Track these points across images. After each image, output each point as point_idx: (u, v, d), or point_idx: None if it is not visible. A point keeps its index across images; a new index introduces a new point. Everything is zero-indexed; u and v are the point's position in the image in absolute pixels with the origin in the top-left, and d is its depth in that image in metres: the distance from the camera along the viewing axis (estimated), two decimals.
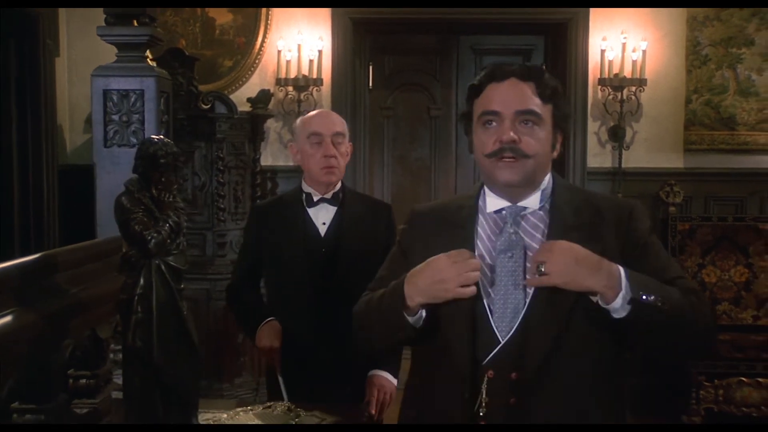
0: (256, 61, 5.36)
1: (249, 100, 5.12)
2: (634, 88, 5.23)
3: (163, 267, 2.08)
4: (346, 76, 5.38)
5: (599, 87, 5.29)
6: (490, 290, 1.79)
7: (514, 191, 1.83)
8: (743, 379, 4.69)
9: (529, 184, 1.82)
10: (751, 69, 5.28)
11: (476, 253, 1.81)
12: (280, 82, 5.29)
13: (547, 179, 1.88)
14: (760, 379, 4.67)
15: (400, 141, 5.84)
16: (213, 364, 4.75)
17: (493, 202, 1.87)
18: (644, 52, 5.18)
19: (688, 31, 5.27)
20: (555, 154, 1.88)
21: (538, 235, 1.81)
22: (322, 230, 2.86)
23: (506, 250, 1.80)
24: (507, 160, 1.76)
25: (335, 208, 2.86)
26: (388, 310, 1.86)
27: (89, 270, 2.35)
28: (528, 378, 1.73)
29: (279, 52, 5.27)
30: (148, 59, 4.91)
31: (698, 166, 5.35)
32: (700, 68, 5.28)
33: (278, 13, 5.32)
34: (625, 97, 5.23)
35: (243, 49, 5.35)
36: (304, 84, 5.26)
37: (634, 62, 5.18)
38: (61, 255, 2.22)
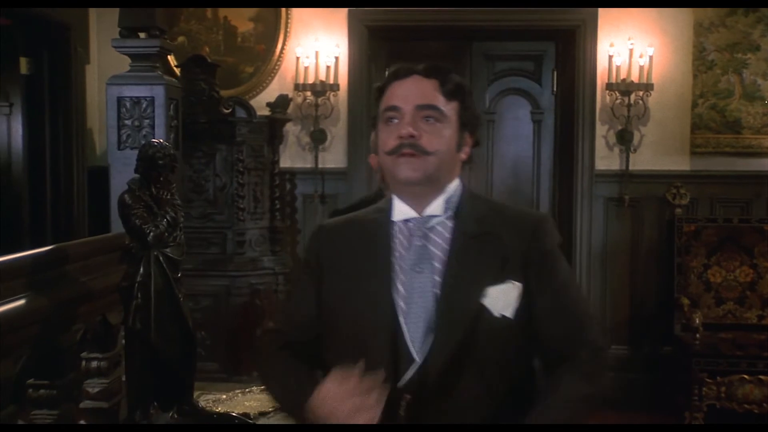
0: (276, 68, 5.58)
1: (268, 104, 5.35)
2: (641, 93, 5.36)
3: (161, 257, 2.31)
4: (362, 81, 5.58)
5: (607, 91, 5.41)
6: (405, 307, 1.72)
7: (417, 193, 1.76)
8: (745, 376, 4.78)
9: (431, 185, 1.76)
10: (756, 74, 5.38)
11: (392, 270, 1.75)
12: (298, 87, 5.50)
13: (455, 186, 1.82)
14: (761, 377, 4.76)
15: None
16: (232, 358, 4.95)
17: (400, 210, 1.79)
18: (651, 57, 5.31)
19: (695, 37, 5.38)
20: (464, 156, 1.82)
21: (444, 245, 1.75)
22: None
23: (415, 264, 1.73)
24: (406, 156, 1.70)
25: None
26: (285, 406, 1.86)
27: (99, 261, 2.58)
28: (442, 395, 1.67)
29: (297, 58, 5.49)
30: (173, 65, 5.25)
31: (704, 168, 5.45)
32: (706, 73, 5.39)
33: (297, 22, 5.55)
34: (632, 101, 5.36)
35: (263, 56, 5.58)
36: (321, 89, 5.47)
37: (641, 67, 5.31)
38: (72, 247, 2.46)
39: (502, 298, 1.69)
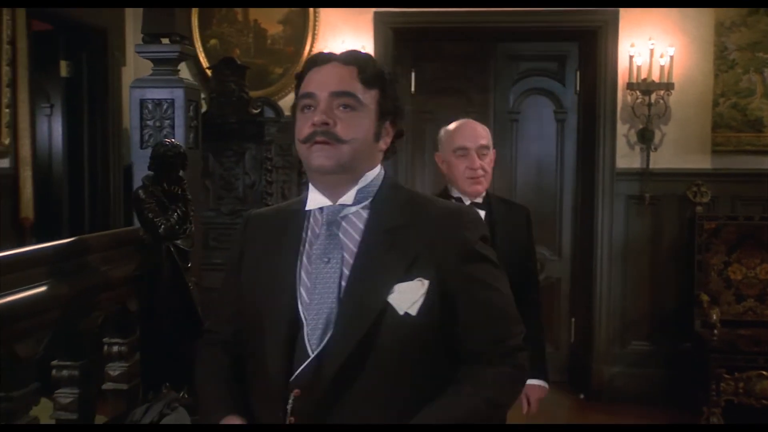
0: None
1: None
2: (662, 92, 5.42)
3: (172, 248, 2.50)
4: None
5: (628, 91, 5.49)
6: (307, 299, 1.66)
7: (331, 182, 1.69)
8: (763, 372, 4.82)
9: (345, 174, 1.68)
10: None
11: (299, 259, 1.70)
12: None
13: (373, 176, 1.74)
14: None
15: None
16: None
17: (314, 199, 1.72)
18: (672, 57, 5.37)
19: (716, 37, 5.42)
20: (383, 146, 1.76)
21: (356, 236, 1.69)
22: None
23: (323, 254, 1.67)
24: (320, 144, 1.64)
25: (483, 213, 2.81)
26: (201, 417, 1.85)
27: (119, 252, 2.77)
28: (336, 393, 1.60)
29: None
30: (204, 68, 5.45)
31: (725, 166, 5.48)
32: (727, 72, 5.43)
33: (324, 24, 5.72)
34: (653, 100, 5.42)
35: (292, 58, 5.75)
36: None
37: (661, 67, 5.38)
38: (92, 239, 2.64)
39: (408, 296, 1.62)
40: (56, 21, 5.20)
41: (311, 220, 1.74)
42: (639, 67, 5.42)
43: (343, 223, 1.70)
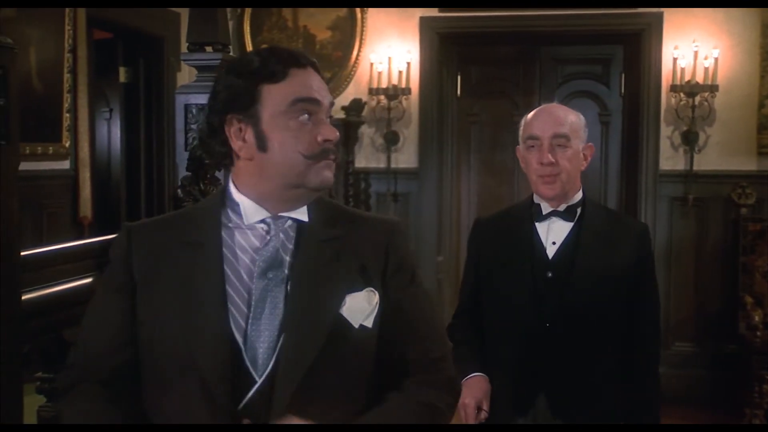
0: (352, 73, 5.92)
1: (344, 108, 5.70)
2: (706, 94, 5.43)
3: None
4: (432, 85, 5.86)
5: (672, 93, 5.50)
6: (242, 321, 1.50)
7: (293, 195, 1.55)
8: None
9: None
10: None
11: (227, 281, 1.52)
12: (372, 91, 5.82)
13: None
14: None
15: (485, 145, 6.26)
16: None
17: (252, 212, 1.55)
18: (716, 59, 5.37)
19: (762, 38, 5.40)
20: None
21: (294, 249, 1.55)
22: (551, 251, 2.37)
23: (267, 269, 1.52)
24: (329, 161, 1.53)
25: (570, 224, 2.37)
26: None
27: None
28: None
29: (371, 64, 5.81)
30: None
31: None
32: None
33: (371, 29, 5.87)
34: (697, 102, 5.43)
35: (340, 62, 5.93)
36: (394, 93, 5.76)
37: (705, 69, 5.38)
38: None
39: (360, 308, 1.53)
40: (116, 29, 5.46)
41: (235, 236, 1.56)
42: (683, 69, 5.43)
43: (284, 238, 1.55)
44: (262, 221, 1.55)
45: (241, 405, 1.46)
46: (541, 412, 2.33)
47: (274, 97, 1.51)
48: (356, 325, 1.52)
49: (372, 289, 1.56)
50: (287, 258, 1.54)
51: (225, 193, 1.59)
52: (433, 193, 5.95)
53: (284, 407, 1.44)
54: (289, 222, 1.56)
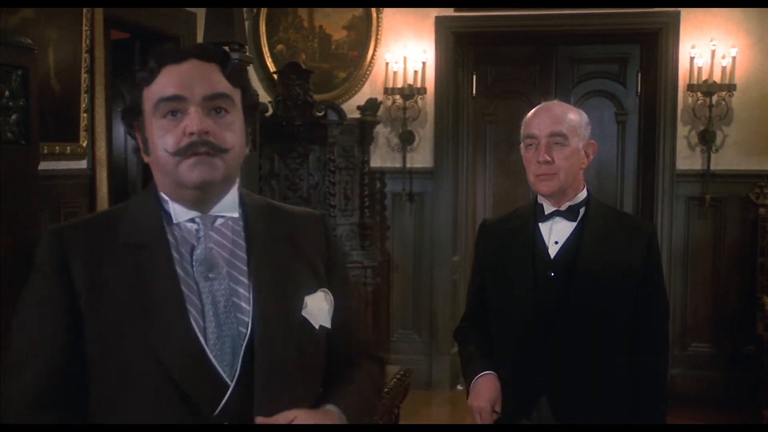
0: (367, 73, 5.93)
1: (359, 107, 5.71)
2: (723, 93, 5.40)
3: None
4: (448, 85, 5.85)
5: (689, 92, 5.48)
6: (203, 323, 1.44)
7: (204, 196, 1.50)
8: None
9: (223, 186, 1.52)
10: None
11: (180, 279, 1.46)
12: (387, 91, 5.83)
13: (237, 183, 1.58)
14: None
15: (501, 145, 6.24)
16: None
17: (180, 211, 1.51)
18: (734, 58, 5.34)
19: None
20: (247, 150, 1.59)
21: (240, 252, 1.52)
22: (553, 251, 2.36)
23: (206, 270, 1.47)
24: (201, 155, 1.44)
25: (573, 224, 2.36)
26: None
27: None
28: (269, 414, 1.44)
29: (387, 64, 5.82)
30: (271, 72, 5.66)
31: None
32: None
33: (387, 29, 5.87)
34: (714, 102, 5.40)
35: (355, 62, 5.94)
36: (409, 93, 5.76)
37: (723, 68, 5.35)
38: None
39: (318, 308, 1.55)
40: (133, 29, 5.48)
41: (176, 233, 1.51)
42: (700, 69, 5.41)
43: (218, 236, 1.51)
44: (192, 220, 1.51)
45: (218, 410, 1.43)
46: (544, 413, 2.33)
47: (147, 101, 1.48)
48: (317, 326, 1.54)
49: (325, 289, 1.58)
50: (228, 257, 1.50)
51: (156, 192, 1.54)
52: (449, 192, 5.95)
53: (265, 408, 1.43)
54: (220, 220, 1.52)
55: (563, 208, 2.36)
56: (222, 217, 1.52)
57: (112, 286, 1.45)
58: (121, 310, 1.44)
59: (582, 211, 2.37)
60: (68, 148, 4.42)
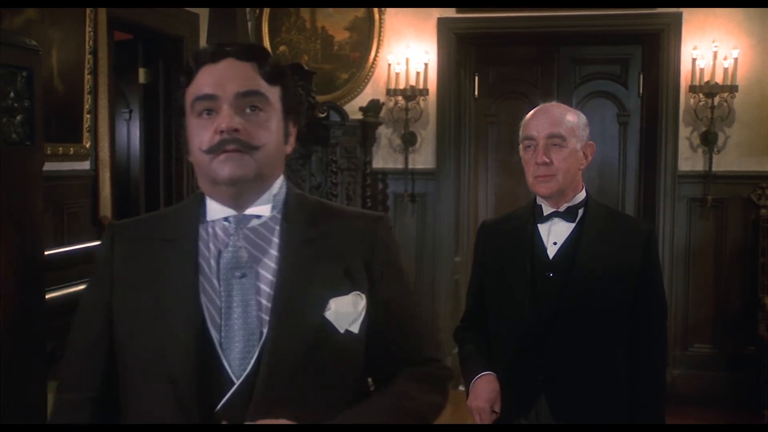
0: (369, 74, 5.94)
1: (361, 108, 5.72)
2: (725, 95, 5.41)
3: None
4: (450, 86, 5.86)
5: (691, 94, 5.48)
6: (218, 319, 1.45)
7: (238, 194, 1.50)
8: None
9: (257, 184, 1.51)
10: None
11: (200, 274, 1.49)
12: (390, 92, 5.84)
13: (280, 182, 1.58)
14: None
15: (503, 146, 6.24)
16: None
17: (214, 208, 1.53)
18: (736, 59, 5.35)
19: None
20: (289, 148, 1.60)
21: (273, 251, 1.51)
22: (552, 251, 2.38)
23: (234, 268, 1.47)
24: (230, 153, 1.45)
25: (572, 225, 2.38)
26: None
27: None
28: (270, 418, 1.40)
29: (389, 65, 5.83)
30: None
31: None
32: None
33: (389, 30, 5.88)
34: (716, 103, 5.41)
35: (357, 63, 5.95)
36: (411, 94, 5.77)
37: (725, 69, 5.36)
38: None
39: (347, 312, 1.49)
40: (136, 30, 5.50)
41: (209, 231, 1.53)
42: (702, 70, 5.41)
43: (252, 235, 1.52)
44: (225, 219, 1.52)
45: (218, 407, 1.43)
46: (543, 413, 2.35)
47: (186, 101, 1.53)
48: (342, 330, 1.48)
49: (358, 292, 1.52)
50: (261, 257, 1.50)
51: (201, 192, 1.58)
52: (451, 193, 5.96)
53: (263, 411, 1.39)
54: (255, 220, 1.53)
55: (562, 209, 2.39)
56: (257, 216, 1.53)
57: (138, 280, 1.51)
58: (140, 300, 1.49)
59: (581, 211, 2.39)
60: (71, 149, 4.43)
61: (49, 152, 4.01)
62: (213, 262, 1.49)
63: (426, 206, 5.98)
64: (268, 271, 1.49)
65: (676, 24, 5.51)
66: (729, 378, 5.52)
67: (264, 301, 1.46)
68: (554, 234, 2.39)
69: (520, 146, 2.41)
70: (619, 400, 2.38)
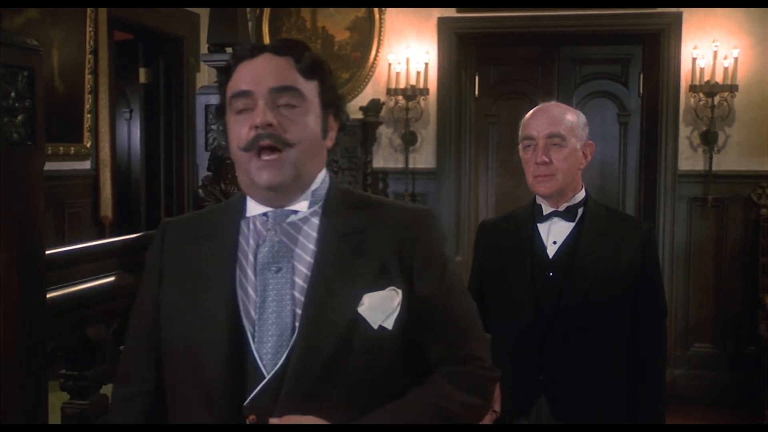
0: (370, 74, 5.95)
1: (362, 108, 5.73)
2: (725, 94, 5.41)
3: None
4: (450, 86, 5.87)
5: (691, 93, 5.49)
6: (253, 313, 1.45)
7: (276, 196, 1.50)
8: None
9: (296, 184, 1.50)
10: None
11: (238, 267, 1.49)
12: (390, 92, 5.84)
13: (321, 177, 1.56)
14: None
15: (503, 146, 6.24)
16: None
17: (254, 206, 1.53)
18: (736, 59, 5.35)
19: None
20: (329, 143, 1.58)
21: (310, 245, 1.49)
22: (551, 251, 2.39)
23: (270, 263, 1.47)
24: (265, 149, 1.44)
25: (571, 225, 2.38)
26: None
27: None
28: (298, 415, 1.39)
29: (390, 65, 5.83)
30: None
31: None
32: None
33: (389, 30, 5.89)
34: (716, 102, 5.41)
35: (358, 63, 5.96)
36: (412, 94, 5.78)
37: (725, 69, 5.36)
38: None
39: (381, 307, 1.45)
40: (137, 30, 5.51)
41: (250, 226, 1.53)
42: (702, 70, 5.42)
43: (290, 230, 1.51)
44: (264, 215, 1.52)
45: (247, 401, 1.42)
46: (543, 413, 2.35)
47: (226, 96, 1.53)
48: (375, 326, 1.44)
49: (394, 288, 1.46)
50: (299, 252, 1.49)
51: None
52: (451, 193, 5.97)
53: (292, 407, 1.38)
54: (293, 216, 1.51)
55: (561, 208, 2.39)
56: (296, 212, 1.52)
57: (182, 274, 1.53)
58: (180, 294, 1.51)
59: (580, 211, 2.39)
60: (72, 148, 4.44)
61: (50, 152, 4.03)
62: (251, 256, 1.49)
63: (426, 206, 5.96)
64: (303, 265, 1.48)
65: (677, 24, 5.52)
66: (729, 378, 5.52)
67: (298, 295, 1.45)
68: (554, 233, 2.40)
69: (520, 146, 2.42)
70: (619, 399, 2.37)
